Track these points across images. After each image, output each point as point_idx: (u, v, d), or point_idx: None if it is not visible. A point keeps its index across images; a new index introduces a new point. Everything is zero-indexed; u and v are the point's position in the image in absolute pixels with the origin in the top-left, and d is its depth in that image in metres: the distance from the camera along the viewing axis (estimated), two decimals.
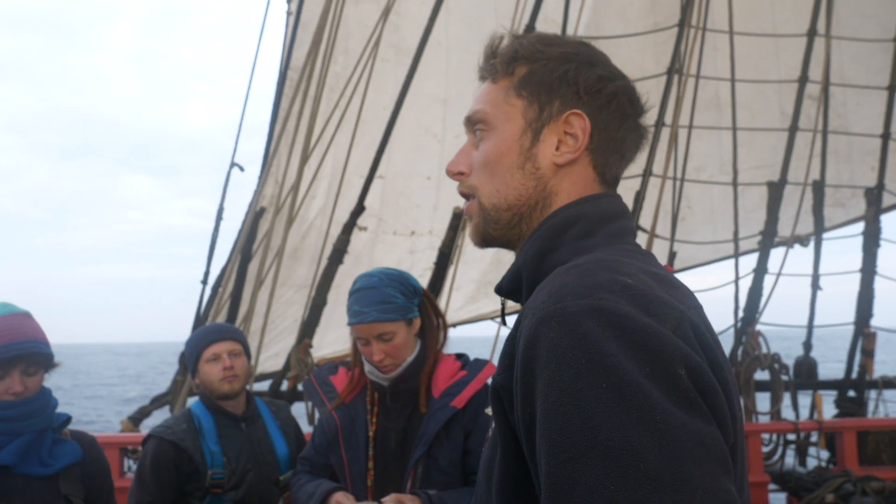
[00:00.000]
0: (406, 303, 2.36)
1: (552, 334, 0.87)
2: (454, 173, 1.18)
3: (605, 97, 1.11)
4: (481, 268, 6.19)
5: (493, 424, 1.03)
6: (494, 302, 6.29)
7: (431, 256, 5.95)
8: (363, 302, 2.32)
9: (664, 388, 0.83)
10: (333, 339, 5.61)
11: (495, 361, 2.51)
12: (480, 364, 2.52)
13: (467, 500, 2.27)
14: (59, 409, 2.35)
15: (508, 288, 1.15)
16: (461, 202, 4.74)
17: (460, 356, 2.54)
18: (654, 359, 0.84)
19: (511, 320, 1.19)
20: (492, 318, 6.28)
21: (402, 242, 6.23)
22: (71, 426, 2.41)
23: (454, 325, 5.61)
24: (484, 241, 1.17)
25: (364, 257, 6.03)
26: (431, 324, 2.49)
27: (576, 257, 1.03)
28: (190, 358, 2.98)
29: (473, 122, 1.17)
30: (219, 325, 3.13)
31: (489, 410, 2.43)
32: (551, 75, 1.11)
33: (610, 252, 1.03)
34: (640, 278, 0.94)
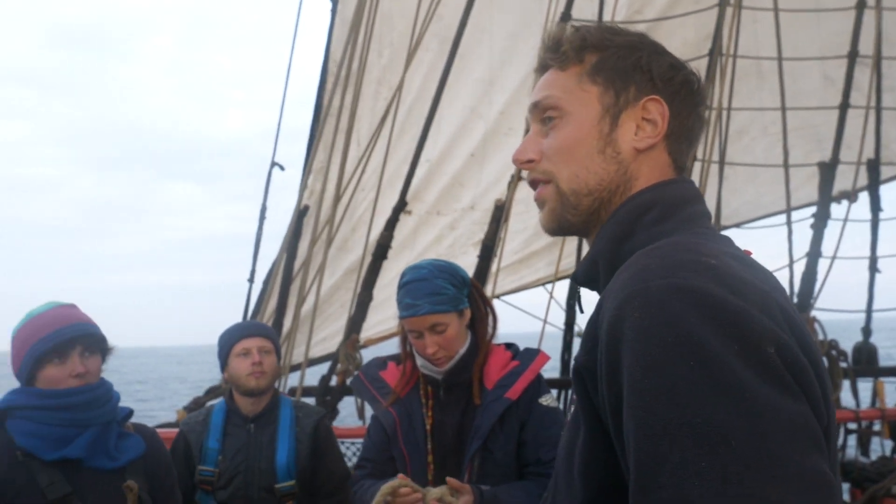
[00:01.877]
0: (457, 294, 2.34)
1: (636, 314, 0.87)
2: (523, 161, 1.17)
3: (676, 85, 1.13)
4: (524, 237, 6.15)
5: (574, 407, 1.03)
6: (535, 272, 6.27)
7: (474, 232, 5.93)
8: (415, 294, 2.29)
9: (753, 367, 0.82)
10: (379, 320, 5.60)
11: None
12: (532, 354, 2.48)
13: (520, 496, 2.25)
14: None
15: (585, 277, 1.14)
16: (506, 181, 4.62)
17: (510, 346, 2.52)
18: (741, 337, 0.84)
19: (587, 305, 1.18)
20: (537, 286, 6.24)
21: (443, 221, 6.22)
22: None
23: (497, 297, 5.58)
24: (560, 227, 1.15)
25: (409, 241, 6.01)
26: (481, 314, 2.47)
27: (653, 242, 1.03)
28: (221, 352, 3.00)
29: (543, 109, 1.16)
30: (252, 322, 3.16)
31: (543, 400, 2.42)
32: (624, 62, 1.12)
33: (689, 235, 1.03)
34: (723, 259, 0.94)
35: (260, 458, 2.87)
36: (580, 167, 1.11)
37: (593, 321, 0.97)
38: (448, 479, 2.18)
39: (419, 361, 2.41)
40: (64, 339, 2.17)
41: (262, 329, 3.09)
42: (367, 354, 5.06)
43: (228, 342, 2.97)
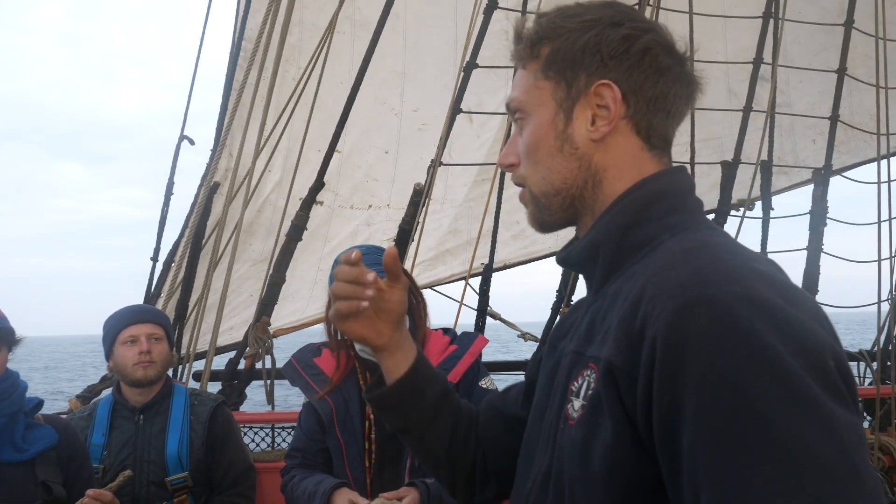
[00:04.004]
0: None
1: (702, 321, 0.84)
2: (506, 165, 1.15)
3: (633, 56, 1.05)
4: (438, 236, 6.15)
5: (587, 404, 0.97)
6: (450, 268, 6.27)
7: (390, 229, 5.87)
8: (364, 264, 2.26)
9: (820, 382, 0.82)
10: (290, 311, 5.48)
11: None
12: (471, 337, 2.49)
13: None
14: None
15: (578, 259, 1.11)
16: (420, 177, 4.55)
17: (447, 330, 2.51)
18: (807, 351, 0.83)
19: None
20: (451, 282, 6.23)
21: (359, 216, 6.13)
22: None
23: None
24: (542, 227, 1.15)
25: (320, 231, 5.90)
26: (416, 298, 2.45)
27: (663, 234, 1.02)
28: (106, 339, 2.75)
29: (512, 112, 1.14)
30: (140, 306, 2.88)
31: (483, 383, 2.40)
32: (573, 48, 1.07)
33: (711, 234, 1.02)
34: (766, 265, 0.93)
35: (149, 451, 2.66)
36: (545, 169, 1.09)
37: (629, 318, 0.92)
38: (381, 495, 2.14)
39: (358, 346, 2.36)
40: None
41: (153, 314, 2.84)
42: (277, 344, 4.94)
43: (114, 328, 2.73)
